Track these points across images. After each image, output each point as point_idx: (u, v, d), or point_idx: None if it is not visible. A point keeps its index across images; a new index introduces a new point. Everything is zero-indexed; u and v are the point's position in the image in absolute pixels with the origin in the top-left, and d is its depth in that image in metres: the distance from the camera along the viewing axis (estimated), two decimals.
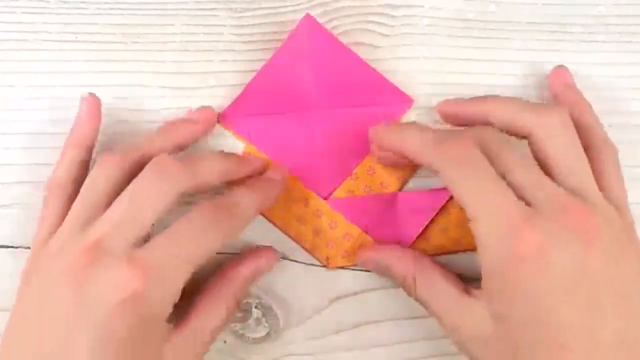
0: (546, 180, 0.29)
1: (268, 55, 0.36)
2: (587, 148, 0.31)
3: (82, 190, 0.31)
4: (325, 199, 0.36)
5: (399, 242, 0.36)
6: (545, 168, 0.30)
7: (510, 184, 0.29)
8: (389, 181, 0.36)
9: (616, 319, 0.28)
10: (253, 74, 0.36)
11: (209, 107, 0.36)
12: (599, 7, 0.38)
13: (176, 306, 0.29)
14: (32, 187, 0.36)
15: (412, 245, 0.36)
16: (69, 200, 0.32)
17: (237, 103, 0.36)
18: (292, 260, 0.36)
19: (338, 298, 0.36)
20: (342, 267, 0.36)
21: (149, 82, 0.37)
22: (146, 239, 0.29)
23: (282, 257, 0.36)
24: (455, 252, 0.36)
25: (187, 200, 0.34)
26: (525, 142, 0.31)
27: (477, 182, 0.29)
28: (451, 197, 0.36)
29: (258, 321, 0.35)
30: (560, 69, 0.36)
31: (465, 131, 0.31)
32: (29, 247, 0.32)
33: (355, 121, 0.36)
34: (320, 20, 0.36)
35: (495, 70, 0.37)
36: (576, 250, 0.28)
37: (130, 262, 0.28)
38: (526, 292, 0.28)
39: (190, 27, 0.37)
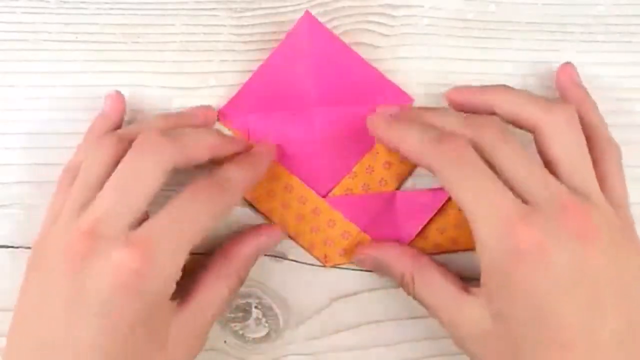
0: (549, 177, 0.29)
1: (268, 55, 0.36)
2: (591, 147, 0.31)
3: (79, 173, 0.31)
4: (324, 197, 0.36)
5: (398, 241, 0.35)
6: (548, 164, 0.30)
7: (507, 183, 0.29)
8: (387, 179, 0.36)
9: (616, 318, 0.28)
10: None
11: (209, 106, 0.36)
12: (598, 7, 0.38)
13: (178, 284, 0.29)
14: (32, 187, 0.36)
15: (411, 244, 0.36)
16: None
17: (236, 100, 0.36)
18: (292, 260, 0.36)
19: (338, 298, 0.36)
20: (342, 267, 0.36)
21: (149, 82, 0.37)
22: (142, 219, 0.29)
23: (282, 257, 0.36)
24: (453, 251, 0.36)
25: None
26: (526, 134, 0.31)
27: (475, 182, 0.29)
28: (450, 198, 0.36)
29: (258, 321, 0.35)
30: (568, 66, 0.36)
31: (459, 130, 0.31)
32: (29, 247, 0.32)
33: (354, 119, 0.36)
34: (321, 20, 0.36)
35: (495, 70, 0.37)
36: (576, 249, 0.28)
37: (127, 243, 0.28)
38: (526, 291, 0.28)
39: (190, 27, 0.37)
